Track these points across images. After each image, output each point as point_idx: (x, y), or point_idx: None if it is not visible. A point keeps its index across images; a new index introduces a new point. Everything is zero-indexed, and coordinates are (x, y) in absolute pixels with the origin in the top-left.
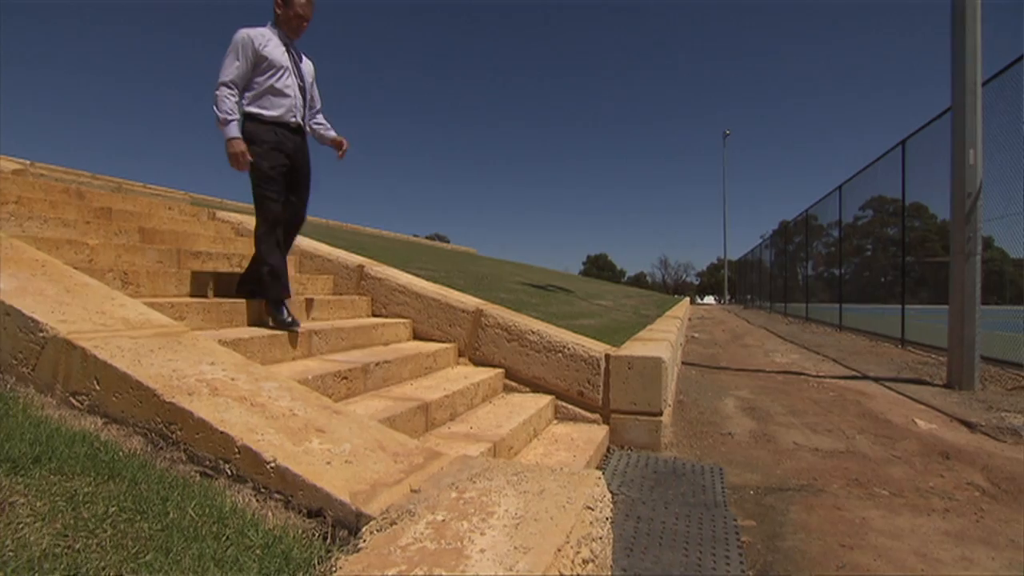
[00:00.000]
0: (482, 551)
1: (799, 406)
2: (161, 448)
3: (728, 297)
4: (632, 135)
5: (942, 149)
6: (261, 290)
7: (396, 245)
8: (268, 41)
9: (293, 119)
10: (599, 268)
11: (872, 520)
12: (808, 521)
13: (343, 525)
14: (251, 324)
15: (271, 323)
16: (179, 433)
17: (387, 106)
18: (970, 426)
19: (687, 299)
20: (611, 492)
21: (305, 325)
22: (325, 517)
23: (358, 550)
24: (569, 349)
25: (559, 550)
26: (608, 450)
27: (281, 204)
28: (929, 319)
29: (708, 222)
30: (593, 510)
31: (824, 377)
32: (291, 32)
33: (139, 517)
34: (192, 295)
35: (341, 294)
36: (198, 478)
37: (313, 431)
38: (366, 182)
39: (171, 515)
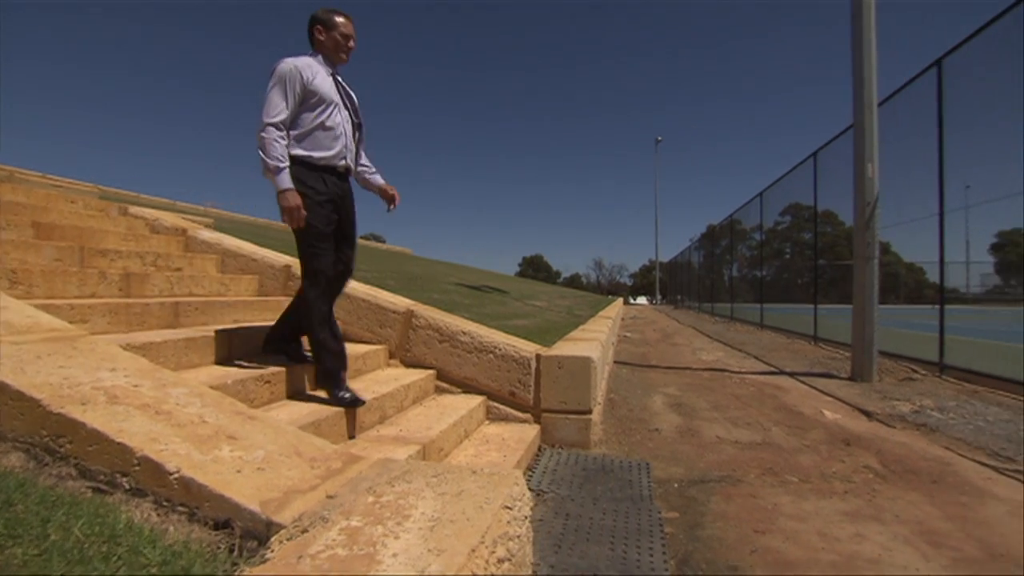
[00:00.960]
0: (395, 555)
1: (722, 401)
2: (46, 464)
3: (660, 298)
4: (568, 134)
5: (848, 161)
6: (294, 351)
7: None
8: (316, 73)
9: (342, 162)
10: (535, 269)
11: (783, 506)
12: (727, 510)
13: (252, 536)
14: (165, 327)
15: (329, 399)
16: (68, 446)
17: None
18: (868, 415)
19: (620, 300)
20: (542, 491)
21: (224, 327)
22: (233, 528)
23: (265, 560)
24: (500, 350)
25: (473, 550)
26: (539, 449)
27: (333, 260)
28: (837, 318)
29: (641, 222)
30: (511, 509)
31: (746, 373)
32: (338, 57)
33: (11, 543)
34: (97, 296)
35: (267, 295)
36: (90, 495)
37: (224, 438)
38: None
39: (52, 537)
